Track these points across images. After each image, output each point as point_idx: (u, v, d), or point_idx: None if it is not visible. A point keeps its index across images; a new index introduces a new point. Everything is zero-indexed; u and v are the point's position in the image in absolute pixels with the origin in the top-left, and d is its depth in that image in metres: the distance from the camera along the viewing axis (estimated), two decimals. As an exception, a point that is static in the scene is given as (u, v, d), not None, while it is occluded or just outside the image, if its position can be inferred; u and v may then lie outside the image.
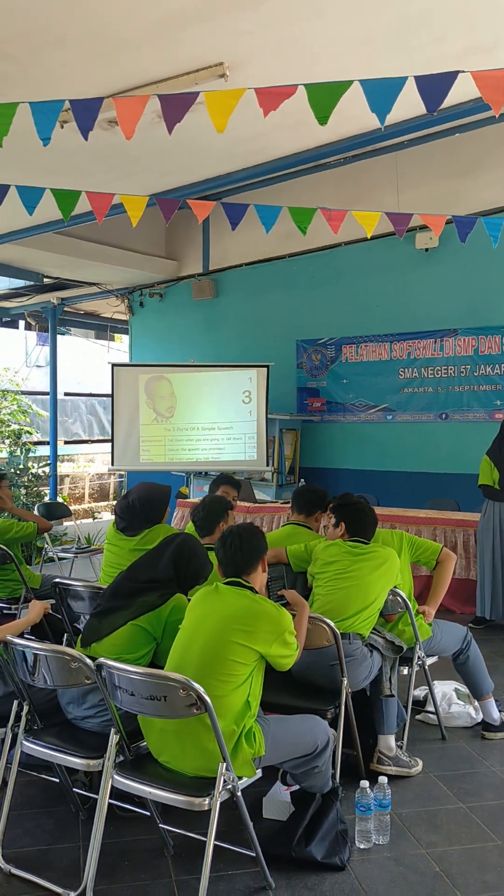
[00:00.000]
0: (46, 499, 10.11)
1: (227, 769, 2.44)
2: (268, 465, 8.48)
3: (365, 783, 2.90)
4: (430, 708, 3.98)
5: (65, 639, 3.85)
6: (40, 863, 2.79)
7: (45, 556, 7.42)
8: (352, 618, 3.36)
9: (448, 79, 2.96)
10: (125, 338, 11.03)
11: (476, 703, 3.96)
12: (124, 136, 3.22)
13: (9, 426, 9.95)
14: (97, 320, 12.38)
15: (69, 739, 2.81)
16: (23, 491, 9.39)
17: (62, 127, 4.23)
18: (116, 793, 2.68)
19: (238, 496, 5.12)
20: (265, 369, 8.42)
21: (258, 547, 2.85)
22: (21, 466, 9.65)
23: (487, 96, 2.93)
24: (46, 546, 7.49)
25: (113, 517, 4.11)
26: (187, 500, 8.04)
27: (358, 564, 3.48)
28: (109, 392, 8.84)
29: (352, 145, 6.09)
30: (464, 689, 4.06)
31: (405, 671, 3.67)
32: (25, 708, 2.87)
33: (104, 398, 15.23)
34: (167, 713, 2.49)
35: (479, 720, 3.95)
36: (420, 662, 3.66)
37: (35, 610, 3.16)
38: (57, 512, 8.02)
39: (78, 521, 10.47)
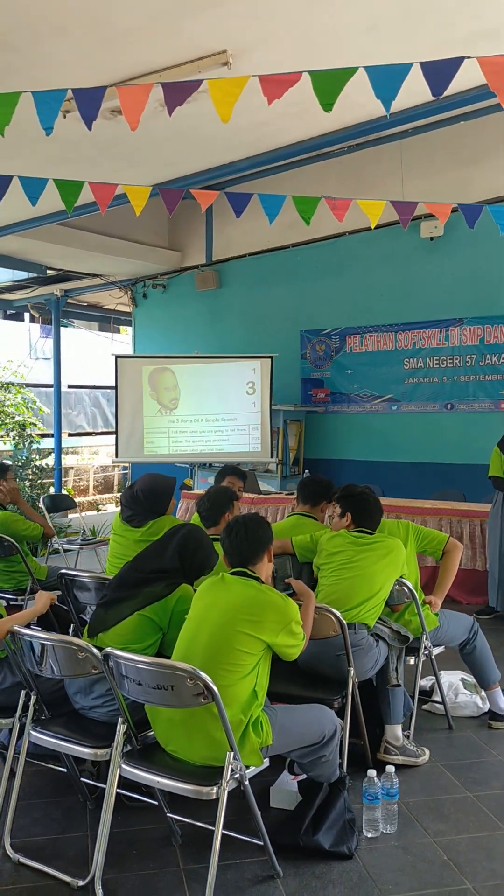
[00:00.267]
0: (51, 490, 10.12)
1: (234, 758, 2.45)
2: (272, 456, 8.47)
3: (372, 772, 2.90)
4: (437, 698, 3.98)
5: (71, 629, 3.85)
6: (49, 852, 2.80)
7: (50, 547, 7.43)
8: (357, 608, 3.36)
9: (454, 64, 2.93)
10: (130, 330, 11.01)
11: (483, 692, 3.96)
12: (129, 126, 3.20)
13: (13, 418, 9.95)
14: (100, 312, 12.36)
15: (77, 729, 2.81)
16: (27, 483, 9.41)
17: (65, 116, 4.22)
18: (124, 782, 2.68)
19: (244, 487, 5.11)
20: (269, 360, 8.40)
21: (264, 537, 2.84)
22: (25, 459, 9.65)
23: (493, 84, 2.90)
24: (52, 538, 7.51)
25: (119, 508, 4.10)
26: (192, 491, 8.04)
27: (363, 554, 3.48)
28: (113, 384, 8.83)
29: (356, 133, 6.04)
30: (470, 678, 4.06)
31: (412, 661, 3.67)
32: (33, 698, 2.87)
33: (108, 390, 15.23)
34: (174, 702, 2.49)
35: (486, 710, 3.95)
36: (427, 652, 3.66)
37: (41, 600, 3.16)
38: (62, 504, 8.03)
39: (83, 514, 10.49)
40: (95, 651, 2.59)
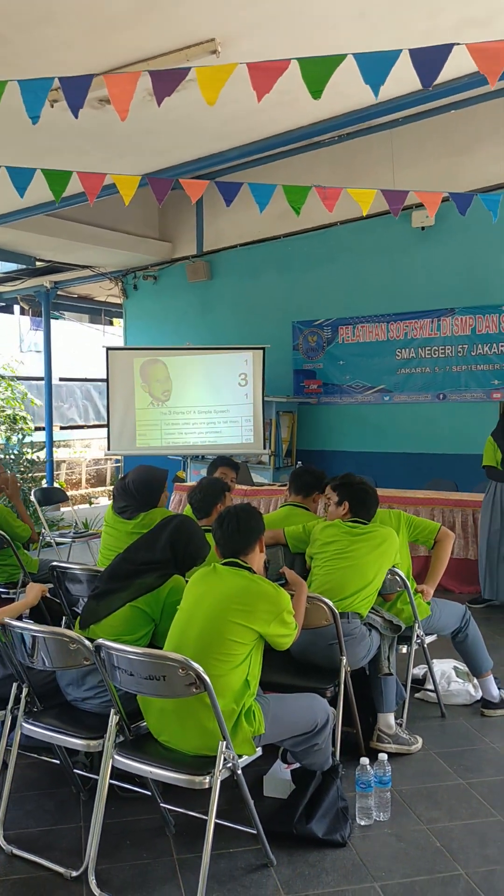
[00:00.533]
0: (43, 484, 10.09)
1: (227, 748, 2.45)
2: (265, 447, 8.46)
3: (365, 760, 2.91)
4: (430, 686, 4.00)
5: (63, 622, 3.84)
6: (42, 843, 2.80)
7: (42, 541, 7.42)
8: (350, 597, 3.36)
9: (443, 51, 2.91)
10: (122, 322, 10.97)
11: (475, 680, 3.98)
12: (119, 116, 3.17)
13: (3, 411, 9.90)
14: (91, 304, 12.31)
15: (69, 721, 2.81)
16: (18, 477, 9.37)
17: (52, 106, 4.18)
18: (117, 773, 2.68)
19: (237, 478, 5.11)
20: (261, 351, 8.39)
21: (255, 527, 2.84)
22: (16, 452, 9.61)
23: (483, 67, 2.89)
24: (44, 531, 7.49)
25: (111, 500, 4.09)
26: (184, 483, 8.03)
27: (356, 545, 3.48)
28: (104, 377, 8.80)
29: (347, 122, 6.01)
30: (463, 667, 4.07)
31: (404, 650, 3.68)
32: (25, 690, 2.87)
33: (99, 383, 15.18)
34: (166, 693, 2.49)
35: (479, 698, 3.97)
36: (419, 641, 3.67)
37: (33, 592, 3.15)
38: (54, 497, 8.00)
39: (75, 507, 10.46)
40: (87, 642, 2.58)
